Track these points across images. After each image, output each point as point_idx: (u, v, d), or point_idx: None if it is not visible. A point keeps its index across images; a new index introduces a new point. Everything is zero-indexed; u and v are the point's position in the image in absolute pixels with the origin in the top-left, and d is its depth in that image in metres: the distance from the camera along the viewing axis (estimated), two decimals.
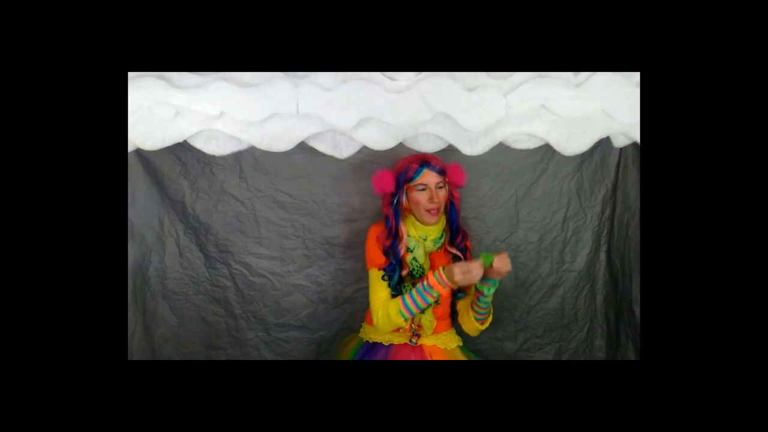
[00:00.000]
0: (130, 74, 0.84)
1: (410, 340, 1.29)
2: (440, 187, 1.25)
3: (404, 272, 1.26)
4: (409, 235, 1.28)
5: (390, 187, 1.25)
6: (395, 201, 1.26)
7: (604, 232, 1.72)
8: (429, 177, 1.23)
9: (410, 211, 1.29)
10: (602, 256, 1.73)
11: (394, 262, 1.25)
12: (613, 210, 1.68)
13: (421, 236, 1.29)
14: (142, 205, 1.54)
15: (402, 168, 1.26)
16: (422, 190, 1.23)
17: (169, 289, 1.62)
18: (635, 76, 0.96)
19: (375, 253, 1.29)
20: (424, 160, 1.24)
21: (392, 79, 0.89)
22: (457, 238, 1.32)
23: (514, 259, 1.70)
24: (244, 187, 1.59)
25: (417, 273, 1.28)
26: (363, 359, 1.30)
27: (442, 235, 1.31)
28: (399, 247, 1.25)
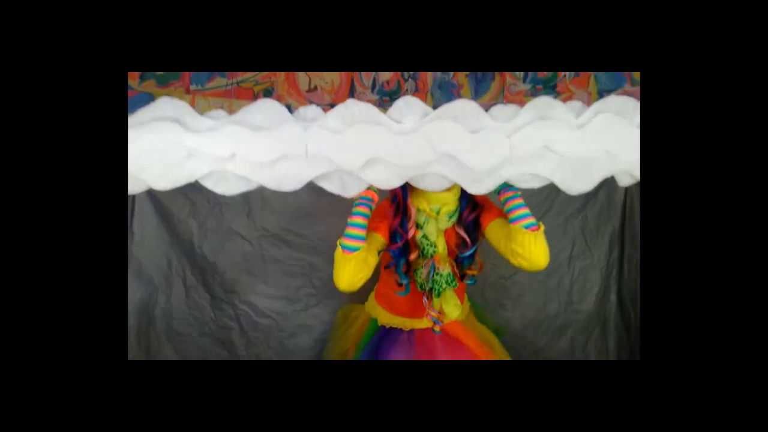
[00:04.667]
0: (144, 118, 0.87)
1: (433, 329, 1.15)
2: None
3: (412, 256, 1.09)
4: (419, 210, 1.10)
5: None
6: None
7: (614, 273, 1.70)
8: None
9: None
10: (612, 297, 1.71)
11: (401, 244, 1.08)
12: (622, 250, 1.67)
13: (433, 209, 1.09)
14: (150, 245, 1.56)
15: None
16: None
17: (174, 330, 1.60)
18: (636, 118, 0.98)
19: (376, 219, 1.10)
20: None
21: (398, 122, 0.91)
22: (466, 211, 1.11)
23: (520, 297, 1.68)
24: (251, 226, 1.61)
25: (428, 252, 1.11)
26: (383, 346, 1.16)
27: (457, 208, 1.12)
28: (408, 226, 1.08)
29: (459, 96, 1.77)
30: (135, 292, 1.52)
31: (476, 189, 0.99)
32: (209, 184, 0.95)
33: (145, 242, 1.54)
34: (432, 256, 1.12)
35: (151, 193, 1.52)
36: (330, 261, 1.62)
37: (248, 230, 1.61)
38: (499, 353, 1.29)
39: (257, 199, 1.59)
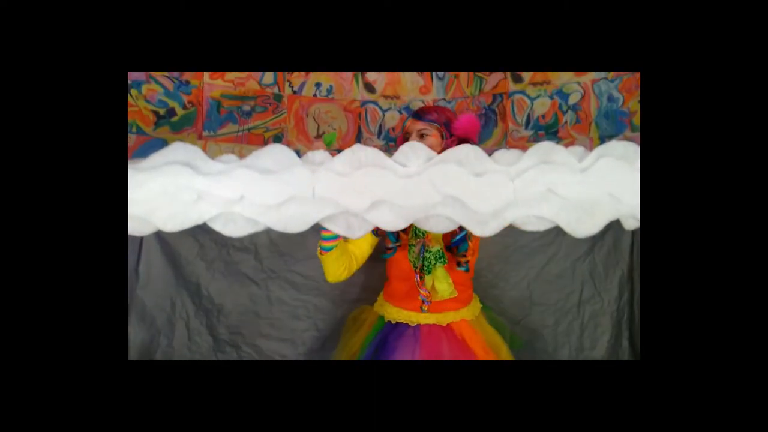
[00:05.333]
0: (157, 162, 0.90)
1: (421, 308, 1.18)
2: (423, 135, 1.15)
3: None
4: None
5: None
6: None
7: (625, 317, 1.66)
8: (412, 125, 1.16)
9: None
10: (624, 343, 1.66)
11: None
12: (632, 294, 1.65)
13: None
14: (156, 287, 1.56)
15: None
16: (406, 139, 1.17)
17: None
18: (636, 163, 1.00)
19: None
20: (415, 111, 1.18)
21: (403, 166, 0.94)
22: None
23: (530, 344, 1.64)
24: (258, 268, 1.61)
25: (420, 232, 1.19)
26: (388, 341, 1.17)
27: None
28: None
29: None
30: (136, 335, 1.50)
31: (481, 231, 1.00)
32: (217, 226, 0.96)
33: (150, 284, 1.54)
34: (423, 235, 1.18)
35: (159, 235, 1.54)
36: (335, 303, 1.62)
37: (256, 272, 1.61)
38: (505, 358, 1.27)
39: (265, 241, 1.61)
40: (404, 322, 1.20)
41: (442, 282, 1.15)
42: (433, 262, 1.16)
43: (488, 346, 1.23)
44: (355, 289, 1.63)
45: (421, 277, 1.17)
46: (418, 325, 1.19)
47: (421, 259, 1.17)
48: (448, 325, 1.19)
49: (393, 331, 1.20)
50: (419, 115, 1.18)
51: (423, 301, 1.17)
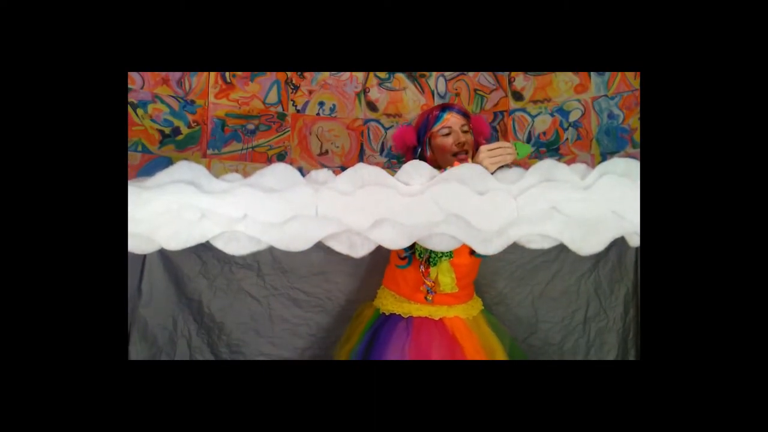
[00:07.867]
0: (162, 180, 0.90)
1: (426, 297, 1.17)
2: (466, 131, 1.15)
3: None
4: None
5: (411, 140, 1.17)
6: (417, 155, 1.16)
7: (630, 335, 1.64)
8: (452, 119, 1.15)
9: (436, 164, 1.17)
10: None
11: None
12: (637, 311, 1.63)
13: None
14: (158, 305, 1.55)
15: (422, 119, 1.18)
16: (447, 134, 1.15)
17: None
18: (639, 179, 1.00)
19: None
20: (444, 105, 1.18)
21: (406, 184, 0.94)
22: None
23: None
24: (261, 285, 1.60)
25: None
26: (381, 333, 1.16)
27: None
28: None
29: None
30: (138, 353, 1.49)
31: (485, 249, 0.99)
32: (219, 244, 0.96)
33: (152, 302, 1.54)
34: None
35: (161, 253, 1.54)
36: (337, 319, 1.60)
37: (258, 289, 1.60)
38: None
39: (267, 258, 1.60)
40: (397, 314, 1.20)
41: (445, 276, 1.16)
42: (440, 255, 1.16)
43: (482, 348, 1.22)
44: (359, 306, 1.62)
45: (425, 267, 1.17)
46: (410, 318, 1.18)
47: (429, 250, 1.16)
48: (440, 319, 1.19)
49: (386, 322, 1.20)
50: (454, 108, 1.16)
51: (428, 291, 1.17)
